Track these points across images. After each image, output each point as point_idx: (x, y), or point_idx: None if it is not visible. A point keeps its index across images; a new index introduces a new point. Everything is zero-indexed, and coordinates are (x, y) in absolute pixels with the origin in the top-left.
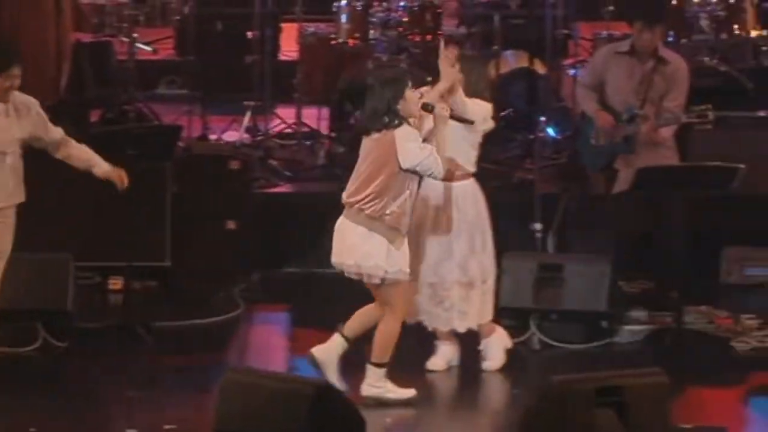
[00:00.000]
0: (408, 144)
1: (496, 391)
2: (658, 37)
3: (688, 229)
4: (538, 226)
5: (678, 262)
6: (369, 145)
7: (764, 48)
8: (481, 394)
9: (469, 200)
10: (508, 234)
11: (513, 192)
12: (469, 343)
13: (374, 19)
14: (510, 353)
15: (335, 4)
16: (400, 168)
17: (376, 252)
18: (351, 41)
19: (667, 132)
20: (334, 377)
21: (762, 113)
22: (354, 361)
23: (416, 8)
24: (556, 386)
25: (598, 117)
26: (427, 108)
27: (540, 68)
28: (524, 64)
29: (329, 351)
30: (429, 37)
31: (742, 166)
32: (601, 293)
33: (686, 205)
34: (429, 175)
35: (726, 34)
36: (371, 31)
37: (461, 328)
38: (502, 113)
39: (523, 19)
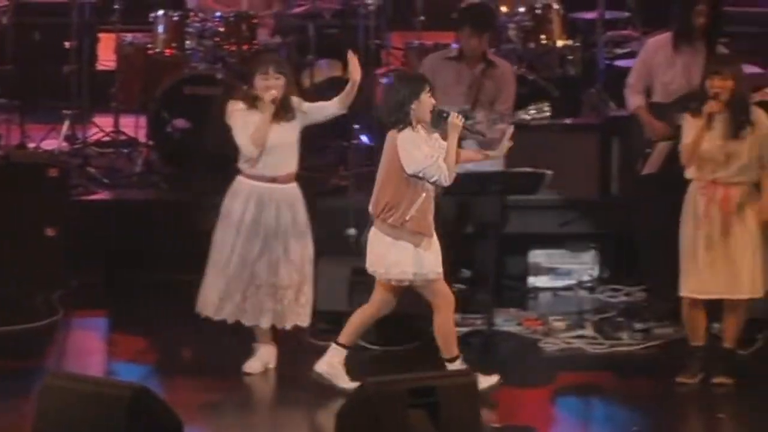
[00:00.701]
0: (410, 150)
1: (311, 393)
2: (486, 42)
3: (498, 233)
4: (352, 231)
5: (489, 265)
6: (387, 140)
7: (570, 57)
8: (297, 396)
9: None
10: (324, 240)
11: (328, 198)
12: (288, 344)
13: (191, 29)
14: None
15: (152, 14)
16: (407, 174)
17: (403, 259)
18: (168, 51)
19: (496, 134)
20: (343, 384)
21: (568, 120)
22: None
23: (232, 19)
24: (370, 388)
25: None
26: (441, 115)
27: None
28: (338, 73)
29: (331, 363)
30: (245, 47)
31: (549, 171)
32: (413, 296)
33: (496, 209)
34: (434, 182)
35: (533, 43)
36: (187, 41)
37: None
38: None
39: (337, 29)
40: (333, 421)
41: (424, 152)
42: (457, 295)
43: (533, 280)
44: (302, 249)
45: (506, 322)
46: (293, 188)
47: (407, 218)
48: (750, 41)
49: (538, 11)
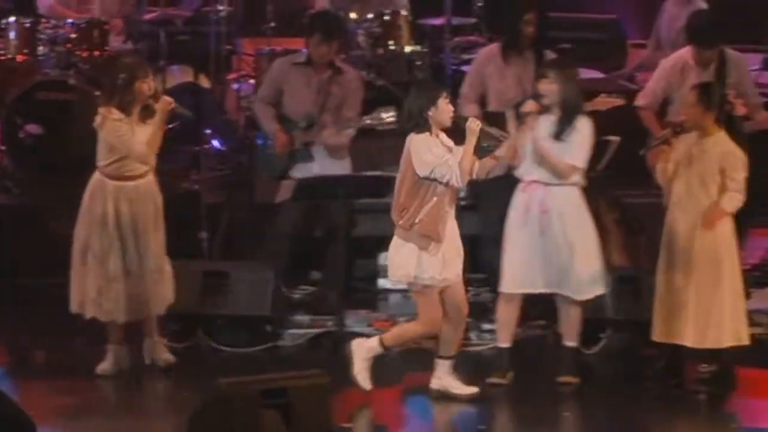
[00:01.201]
0: (421, 153)
1: (162, 395)
2: (334, 49)
3: (348, 236)
4: (204, 234)
5: (339, 267)
6: (405, 144)
7: (418, 63)
8: (148, 398)
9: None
10: (175, 243)
11: (179, 202)
12: (140, 345)
13: (42, 36)
14: (180, 358)
15: (3, 21)
16: (419, 176)
17: (406, 261)
18: (20, 57)
19: (344, 140)
20: (359, 371)
21: None
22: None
23: (84, 25)
24: (222, 388)
25: (276, 138)
26: (459, 120)
27: (205, 82)
28: (189, 78)
29: (364, 348)
30: (97, 53)
31: (394, 175)
32: (265, 298)
33: (344, 213)
34: (447, 183)
35: (382, 49)
36: (40, 47)
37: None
38: (169, 125)
39: (189, 36)
40: (185, 421)
41: (434, 153)
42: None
43: (383, 282)
44: (159, 242)
45: (357, 323)
46: (150, 183)
47: (416, 221)
48: (591, 47)
49: (387, 18)
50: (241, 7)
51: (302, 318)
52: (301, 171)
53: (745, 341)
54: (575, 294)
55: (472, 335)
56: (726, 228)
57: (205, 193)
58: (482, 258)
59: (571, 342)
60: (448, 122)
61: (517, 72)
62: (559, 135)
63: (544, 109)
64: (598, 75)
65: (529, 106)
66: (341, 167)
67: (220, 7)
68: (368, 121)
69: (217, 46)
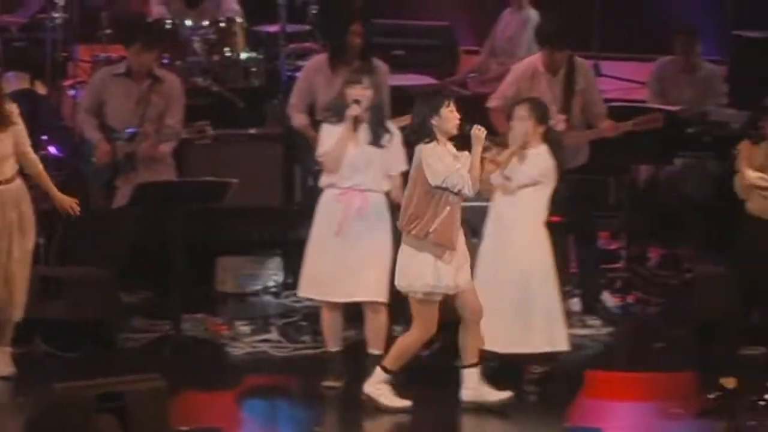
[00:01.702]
0: (432, 162)
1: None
2: (154, 58)
3: (185, 241)
4: (40, 240)
5: (176, 272)
6: (414, 154)
7: (254, 69)
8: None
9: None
10: None
11: None
12: None
13: None
14: (18, 363)
15: None
16: (432, 186)
17: (422, 270)
18: None
19: (166, 148)
20: (391, 402)
21: (252, 131)
22: None
23: None
24: (58, 394)
25: (98, 149)
26: (464, 128)
27: (41, 89)
28: (25, 85)
29: (378, 382)
30: None
31: (234, 180)
32: (102, 303)
33: (183, 218)
34: (458, 192)
35: (218, 55)
36: None
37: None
38: None
39: (24, 42)
40: (21, 427)
41: (445, 163)
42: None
43: (220, 286)
44: (27, 244)
45: (194, 327)
46: (16, 188)
47: (430, 230)
48: (424, 53)
49: (222, 24)
50: (76, 15)
51: (139, 322)
52: (125, 181)
53: (563, 347)
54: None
55: (308, 338)
56: (539, 233)
57: (40, 199)
58: None
59: (373, 350)
60: (453, 130)
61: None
62: (378, 141)
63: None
64: (431, 81)
65: (355, 109)
66: (164, 176)
67: (56, 14)
68: (185, 135)
69: (53, 52)
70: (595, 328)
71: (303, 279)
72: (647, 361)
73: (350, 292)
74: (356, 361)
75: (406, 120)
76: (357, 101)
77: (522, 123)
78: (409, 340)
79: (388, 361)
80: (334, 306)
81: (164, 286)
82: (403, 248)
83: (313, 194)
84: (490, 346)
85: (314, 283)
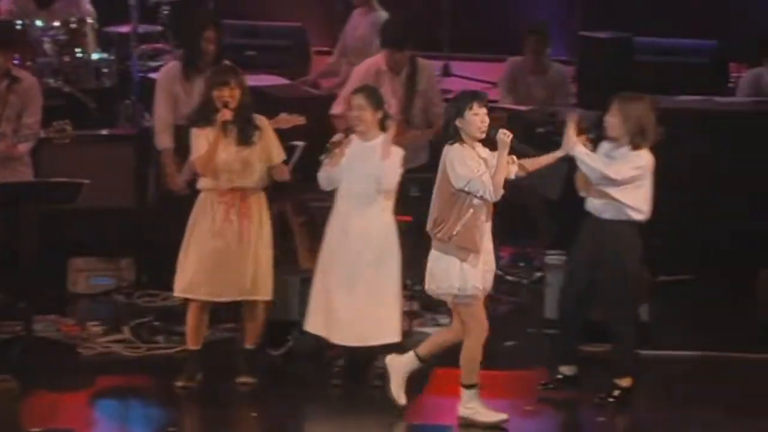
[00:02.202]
0: (456, 165)
1: None
2: (10, 58)
3: (37, 241)
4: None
5: (27, 272)
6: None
7: (105, 70)
8: None
9: None
10: None
11: None
12: None
13: None
14: None
15: None
16: (455, 189)
17: (448, 274)
18: None
19: (24, 148)
20: (396, 388)
21: (104, 131)
22: None
23: None
24: None
25: None
26: (490, 132)
27: None
28: None
29: (400, 362)
30: None
31: (86, 181)
32: None
33: (35, 218)
34: (480, 197)
35: (69, 56)
36: None
37: None
38: None
39: None
40: None
41: (469, 167)
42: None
43: (72, 287)
44: None
45: (45, 328)
46: None
47: (454, 233)
48: (276, 54)
49: (73, 25)
50: None
51: None
52: None
53: (398, 338)
54: (260, 296)
55: (161, 338)
56: (388, 227)
57: None
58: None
59: (251, 344)
60: (477, 134)
61: (202, 88)
62: (248, 140)
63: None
64: (283, 81)
65: (225, 113)
66: (21, 176)
67: None
68: (44, 135)
69: None
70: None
71: (181, 280)
72: (499, 359)
73: (233, 291)
74: (211, 360)
75: (294, 120)
76: (226, 103)
77: (362, 112)
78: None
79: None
80: (204, 306)
81: (15, 286)
82: (432, 252)
83: (168, 195)
84: (338, 340)
85: (195, 284)
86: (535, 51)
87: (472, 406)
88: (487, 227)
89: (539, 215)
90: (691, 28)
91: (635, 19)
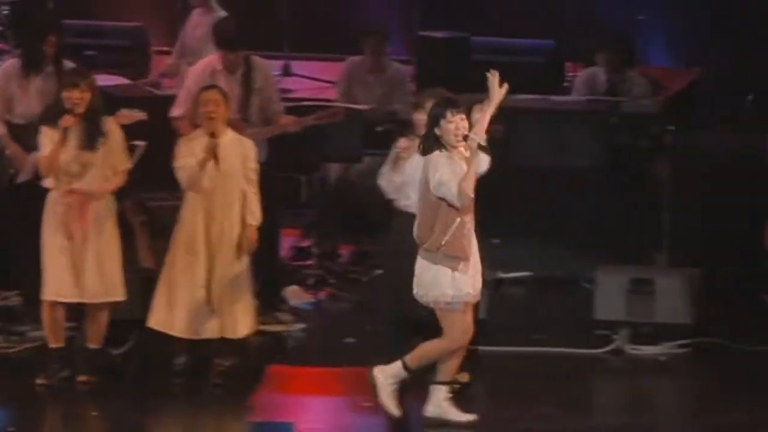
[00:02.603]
0: (431, 172)
1: None
2: None
3: None
4: None
5: None
6: None
7: None
8: None
9: None
10: None
11: None
12: None
13: None
14: None
15: None
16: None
17: (439, 282)
18: None
19: None
20: (386, 400)
21: None
22: None
23: None
24: None
25: None
26: (465, 138)
27: None
28: None
29: (386, 373)
30: None
31: None
32: None
33: None
34: (451, 204)
35: None
36: None
37: None
38: None
39: None
40: None
41: (441, 173)
42: None
43: None
44: None
45: None
46: None
47: (442, 243)
48: (116, 54)
49: None
50: None
51: None
52: None
53: (253, 328)
54: (106, 297)
55: (0, 338)
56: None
57: None
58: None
59: (95, 344)
60: (453, 142)
61: (39, 86)
62: (91, 144)
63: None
64: (123, 81)
65: (68, 120)
66: None
67: None
68: None
69: None
70: (287, 324)
71: (44, 281)
72: (339, 356)
73: (79, 293)
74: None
75: (134, 116)
76: (74, 105)
77: (218, 109)
78: (434, 344)
79: (409, 360)
80: (53, 303)
81: None
82: (419, 260)
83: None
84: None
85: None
86: (374, 51)
87: (442, 405)
88: (473, 232)
89: (377, 214)
90: (528, 28)
91: (473, 19)
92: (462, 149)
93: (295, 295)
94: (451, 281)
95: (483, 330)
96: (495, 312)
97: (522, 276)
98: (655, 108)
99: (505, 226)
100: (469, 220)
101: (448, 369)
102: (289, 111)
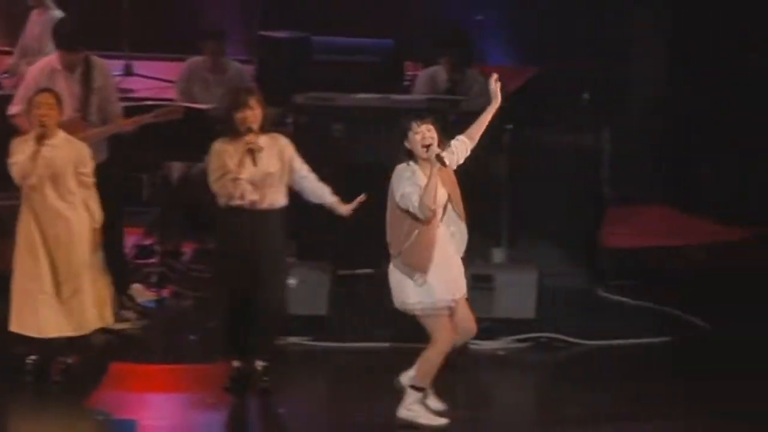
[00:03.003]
0: (394, 182)
1: None
2: None
3: None
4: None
5: None
6: None
7: None
8: None
9: None
10: None
11: None
12: None
13: None
14: None
15: None
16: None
17: (399, 288)
18: None
19: None
20: (426, 419)
21: None
22: None
23: None
24: None
25: None
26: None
27: None
28: None
29: (408, 404)
30: None
31: None
32: None
33: None
34: (414, 215)
35: None
36: None
37: None
38: None
39: None
40: None
41: (404, 185)
42: None
43: None
44: None
45: None
46: None
47: (402, 249)
48: None
49: None
50: None
51: None
52: None
53: (110, 322)
54: None
55: None
56: (83, 219)
57: None
58: None
59: None
60: (421, 153)
61: None
62: None
63: None
64: None
65: None
66: None
67: None
68: None
69: None
70: (131, 322)
71: None
72: (182, 353)
73: None
74: None
75: None
76: None
77: (51, 112)
78: (428, 354)
79: (417, 380)
80: None
81: None
82: (390, 267)
83: None
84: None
85: None
86: (214, 52)
87: (415, 409)
88: (444, 240)
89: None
90: (368, 27)
91: (314, 20)
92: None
93: (138, 292)
94: (413, 287)
95: (327, 325)
96: (338, 308)
97: (364, 273)
98: None
99: (348, 224)
100: (431, 234)
101: (427, 374)
102: (131, 110)
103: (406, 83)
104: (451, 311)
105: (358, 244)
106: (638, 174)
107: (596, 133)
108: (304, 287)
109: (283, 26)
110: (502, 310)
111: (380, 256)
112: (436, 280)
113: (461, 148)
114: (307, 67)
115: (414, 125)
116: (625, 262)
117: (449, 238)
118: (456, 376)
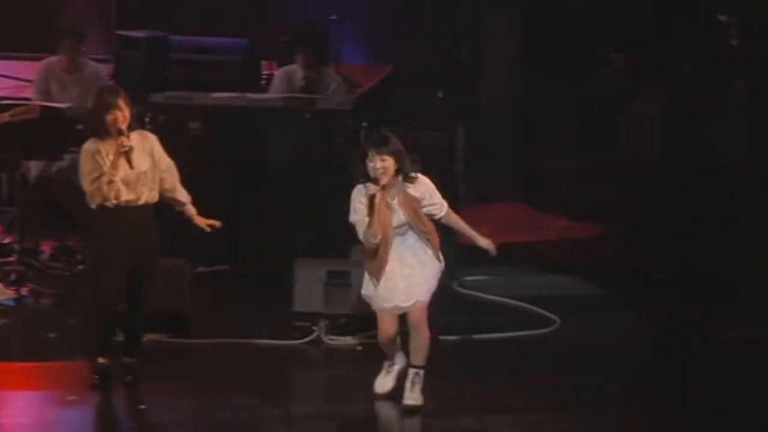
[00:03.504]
0: (351, 203)
1: None
2: None
3: None
4: None
5: None
6: None
7: None
8: None
9: None
10: None
11: None
12: None
13: None
14: None
15: None
16: None
17: (365, 278)
18: None
19: None
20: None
21: None
22: None
23: None
24: None
25: None
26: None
27: None
28: None
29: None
30: None
31: None
32: None
33: None
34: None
35: None
36: None
37: None
38: None
39: None
40: None
41: (352, 211)
42: None
43: None
44: None
45: None
46: None
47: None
48: None
49: None
50: None
51: None
52: None
53: None
54: None
55: None
56: None
57: None
58: None
59: None
60: (377, 180)
61: None
62: None
63: None
64: None
65: None
66: None
67: None
68: None
69: None
70: None
71: None
72: (42, 351)
73: None
74: None
75: None
76: None
77: None
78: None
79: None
80: None
81: None
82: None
83: None
84: None
85: None
86: (70, 51)
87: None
88: (402, 253)
89: (77, 210)
90: (225, 27)
91: (172, 19)
92: (412, 187)
93: None
94: (368, 281)
95: (185, 322)
96: (196, 304)
97: (221, 269)
98: (349, 104)
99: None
100: (383, 250)
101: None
102: None
103: (263, 82)
104: (408, 315)
105: (216, 241)
106: (493, 171)
107: (450, 131)
108: (163, 284)
109: (140, 25)
110: (359, 306)
111: (239, 252)
112: (380, 286)
113: (437, 207)
114: (165, 66)
115: (370, 153)
116: (479, 258)
117: (409, 253)
118: (313, 372)
